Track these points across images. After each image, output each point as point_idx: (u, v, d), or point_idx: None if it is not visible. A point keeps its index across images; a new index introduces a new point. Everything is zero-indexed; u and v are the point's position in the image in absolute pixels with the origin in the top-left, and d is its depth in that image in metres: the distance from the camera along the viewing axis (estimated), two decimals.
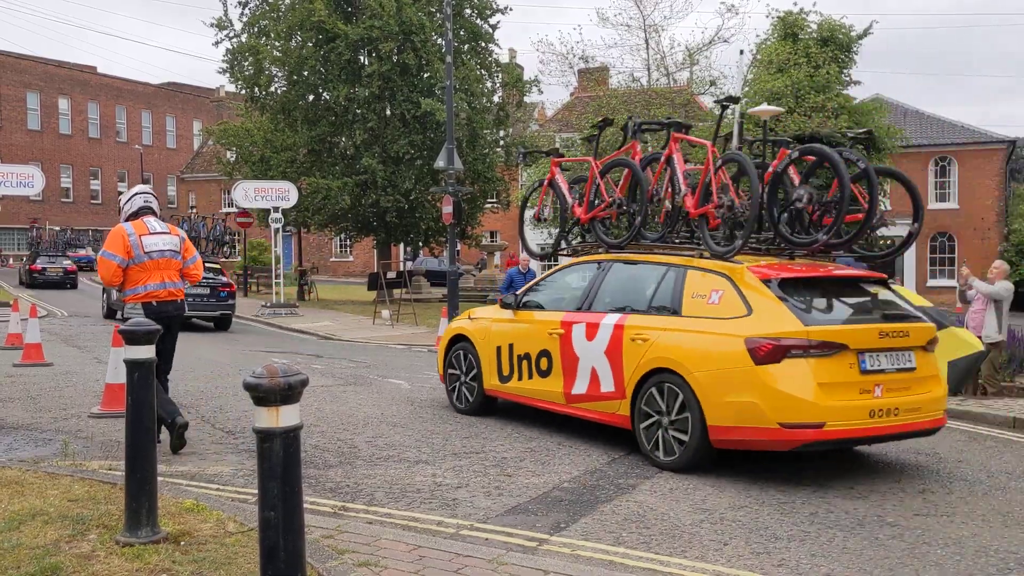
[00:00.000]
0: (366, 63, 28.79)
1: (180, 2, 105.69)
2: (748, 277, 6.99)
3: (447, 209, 21.78)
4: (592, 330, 7.88)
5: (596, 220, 9.02)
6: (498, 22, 30.98)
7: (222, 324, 21.10)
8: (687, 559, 4.95)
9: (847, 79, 34.88)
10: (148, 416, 4.53)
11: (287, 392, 3.17)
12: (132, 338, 4.53)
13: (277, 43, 29.33)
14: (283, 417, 3.19)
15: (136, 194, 7.64)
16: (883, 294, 7.56)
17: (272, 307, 25.36)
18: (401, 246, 38.84)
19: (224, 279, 21.34)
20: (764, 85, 30.70)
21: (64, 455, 6.72)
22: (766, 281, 6.90)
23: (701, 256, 7.56)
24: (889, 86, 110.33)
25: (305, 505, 3.74)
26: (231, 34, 30.03)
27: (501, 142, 31.94)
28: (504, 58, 34.32)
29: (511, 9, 31.59)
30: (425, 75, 28.98)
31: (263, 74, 29.50)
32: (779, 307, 6.71)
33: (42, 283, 35.63)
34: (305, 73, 29.06)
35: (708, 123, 27.04)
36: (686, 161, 8.63)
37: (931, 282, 42.76)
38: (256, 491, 5.49)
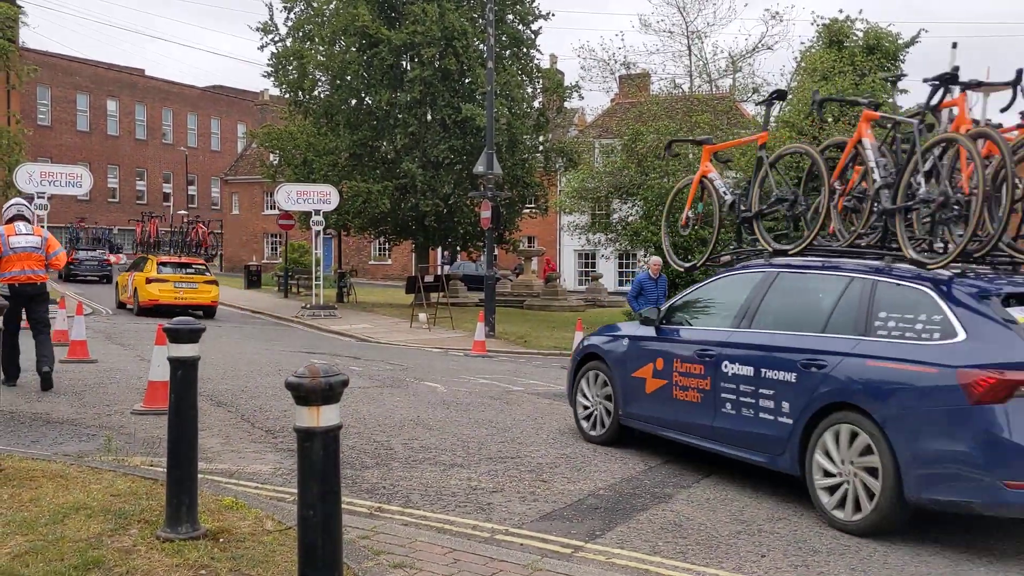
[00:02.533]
0: (408, 68, 28.98)
1: (227, 6, 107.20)
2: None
3: (485, 214, 21.82)
4: None
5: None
6: (540, 28, 30.98)
7: (108, 279, 36.05)
8: (724, 570, 4.91)
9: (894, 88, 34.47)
10: (191, 414, 4.58)
11: (328, 392, 3.20)
12: (176, 336, 4.58)
13: (321, 48, 29.62)
14: (324, 417, 3.21)
15: (12, 204, 10.35)
16: (203, 270, 23.91)
17: (311, 309, 25.60)
18: (439, 250, 39.00)
19: (109, 256, 39.85)
20: (808, 93, 30.41)
21: (107, 450, 6.83)
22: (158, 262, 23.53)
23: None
24: None
25: (342, 505, 3.76)
26: (276, 38, 30.39)
27: (540, 147, 31.94)
28: (545, 63, 34.36)
29: (553, 15, 31.62)
30: (466, 80, 29.09)
31: (307, 78, 29.78)
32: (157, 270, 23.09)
33: (77, 275, 37.59)
34: (348, 78, 29.30)
35: (751, 130, 26.82)
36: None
37: None
38: (294, 490, 5.53)
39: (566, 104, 34.86)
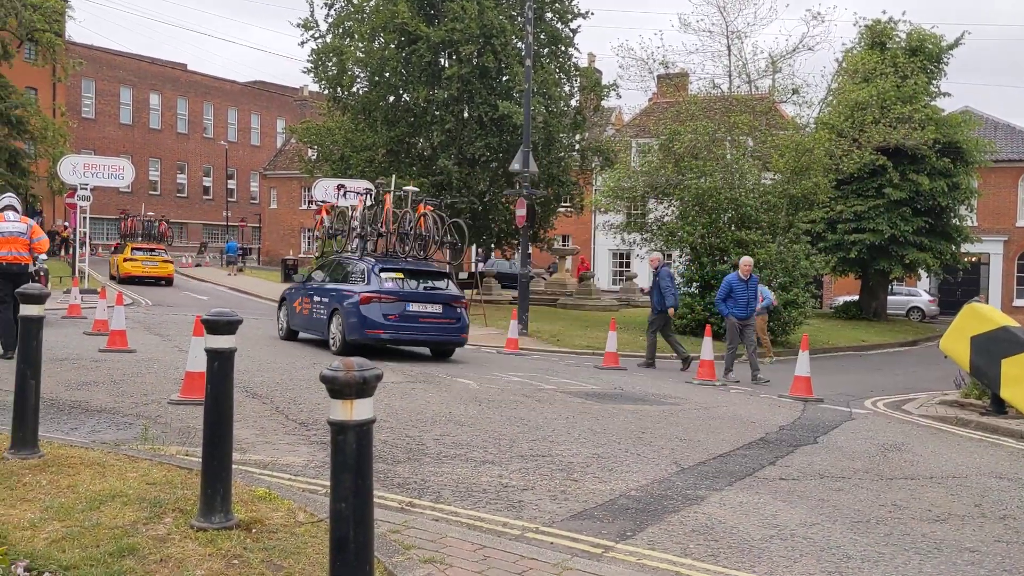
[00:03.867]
0: (446, 65, 29.03)
1: (268, 2, 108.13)
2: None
3: (520, 212, 21.82)
4: None
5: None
6: (579, 26, 30.90)
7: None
8: (756, 574, 4.86)
9: (936, 90, 33.89)
10: (226, 405, 4.62)
11: (362, 386, 3.20)
12: (214, 328, 4.62)
13: (360, 44, 29.75)
14: (357, 410, 3.22)
15: (3, 197, 12.23)
16: (162, 253, 34.85)
17: None
18: (473, 247, 39.07)
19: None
20: (849, 95, 30.03)
21: (144, 439, 6.91)
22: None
23: None
24: (980, 98, 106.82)
25: (373, 499, 3.77)
26: (316, 35, 30.58)
27: (577, 146, 31.86)
28: (583, 62, 34.23)
29: (592, 14, 31.48)
30: (504, 78, 29.08)
31: (346, 74, 29.94)
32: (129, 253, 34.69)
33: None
34: (386, 74, 29.41)
35: (789, 132, 26.56)
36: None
37: (1017, 301, 41.27)
38: (326, 483, 5.57)
39: (603, 103, 34.73)
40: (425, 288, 14.85)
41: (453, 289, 15.33)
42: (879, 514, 6.25)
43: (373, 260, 15.11)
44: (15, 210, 11.96)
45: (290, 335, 16.45)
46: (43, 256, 16.40)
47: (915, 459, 8.51)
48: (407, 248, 16.06)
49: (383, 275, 14.54)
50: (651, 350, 16.67)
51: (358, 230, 16.82)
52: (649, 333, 16.80)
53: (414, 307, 14.43)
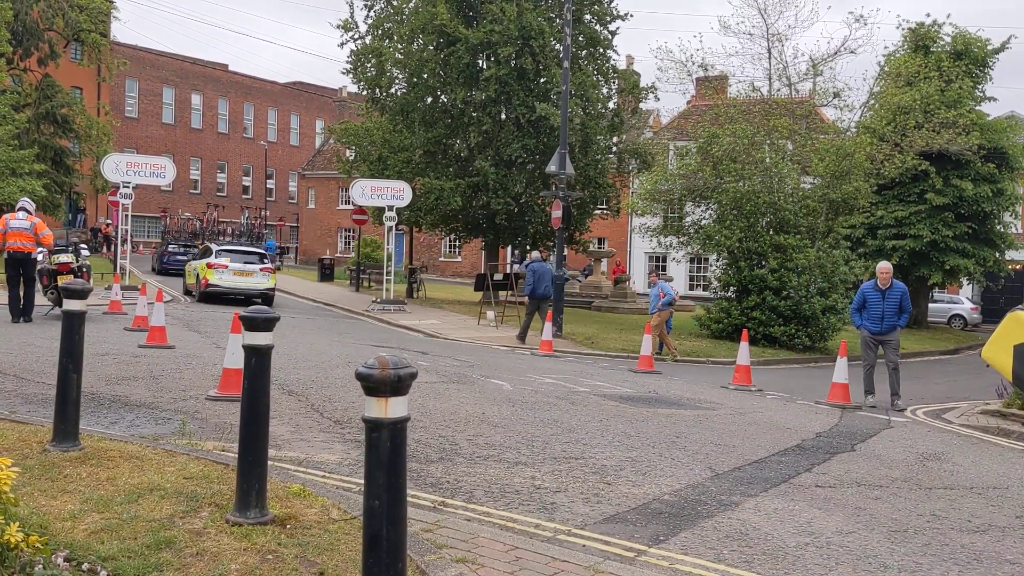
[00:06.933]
0: (484, 67, 29.07)
1: (309, 4, 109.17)
2: None
3: (556, 213, 21.79)
4: None
5: None
6: (618, 28, 30.80)
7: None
8: None
9: (981, 95, 33.30)
10: (263, 402, 4.66)
11: (397, 384, 3.21)
12: (252, 325, 4.67)
13: (399, 45, 29.91)
14: (392, 408, 3.23)
15: (20, 201, 15.24)
16: (83, 250, 19.44)
17: (382, 303, 25.90)
18: (509, 249, 39.09)
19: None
20: (891, 98, 29.60)
21: (181, 434, 7.00)
22: None
23: None
24: None
25: (406, 497, 3.78)
26: (356, 36, 30.77)
27: (614, 148, 31.75)
28: (622, 64, 34.11)
29: (632, 15, 31.37)
30: (542, 80, 29.07)
31: (384, 76, 30.11)
32: None
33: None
34: (425, 76, 29.53)
35: (830, 135, 26.25)
36: None
37: None
38: (360, 480, 5.60)
39: (641, 105, 34.60)
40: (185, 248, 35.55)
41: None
42: (917, 524, 6.16)
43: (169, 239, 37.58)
44: (26, 211, 14.96)
45: (151, 269, 34.58)
46: (85, 252, 16.97)
47: (955, 469, 8.37)
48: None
49: (170, 247, 35.07)
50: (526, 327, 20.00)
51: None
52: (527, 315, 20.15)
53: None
